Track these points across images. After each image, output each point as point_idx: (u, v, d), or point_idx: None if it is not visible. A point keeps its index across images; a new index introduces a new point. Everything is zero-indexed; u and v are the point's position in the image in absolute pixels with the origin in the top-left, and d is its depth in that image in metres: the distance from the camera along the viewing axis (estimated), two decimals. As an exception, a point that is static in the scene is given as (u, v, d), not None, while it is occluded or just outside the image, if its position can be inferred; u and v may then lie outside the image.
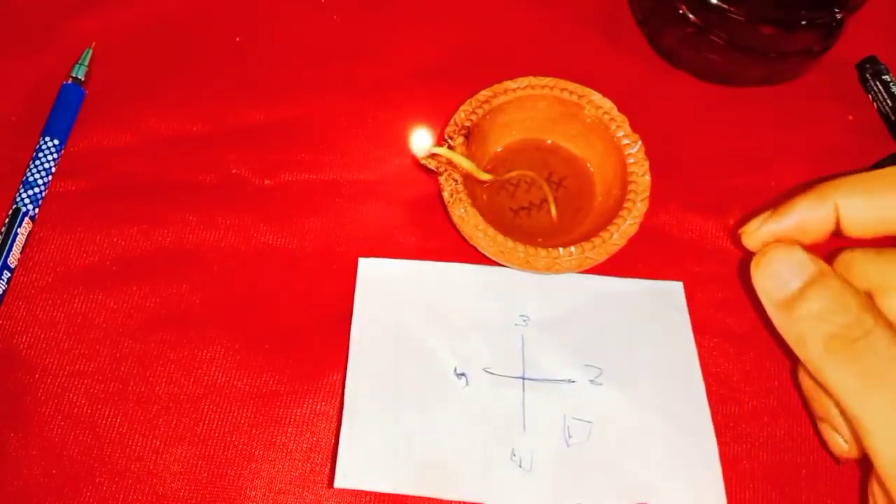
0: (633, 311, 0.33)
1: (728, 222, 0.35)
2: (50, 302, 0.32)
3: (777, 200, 0.25)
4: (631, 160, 0.33)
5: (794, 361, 0.31)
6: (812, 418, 0.30)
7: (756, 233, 0.25)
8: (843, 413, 0.24)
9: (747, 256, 0.26)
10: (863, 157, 0.37)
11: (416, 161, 0.33)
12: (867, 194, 0.23)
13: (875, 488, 0.24)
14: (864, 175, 0.24)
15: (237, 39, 0.40)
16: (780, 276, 0.23)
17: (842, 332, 0.21)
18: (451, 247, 0.34)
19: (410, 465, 0.29)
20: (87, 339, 0.32)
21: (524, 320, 0.32)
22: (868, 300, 0.22)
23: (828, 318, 0.22)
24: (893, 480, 0.21)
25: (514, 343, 0.32)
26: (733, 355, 0.32)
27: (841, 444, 0.27)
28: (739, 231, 0.26)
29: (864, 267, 0.26)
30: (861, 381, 0.21)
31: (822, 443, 0.29)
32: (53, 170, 0.35)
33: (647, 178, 0.32)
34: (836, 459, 0.29)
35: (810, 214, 0.24)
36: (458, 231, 0.32)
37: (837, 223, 0.24)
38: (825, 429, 0.28)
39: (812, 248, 0.24)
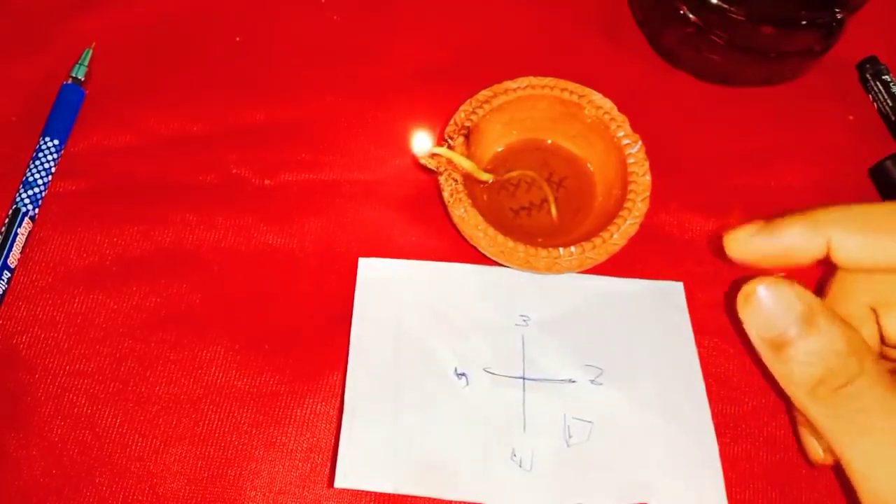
0: (634, 312, 0.33)
1: (728, 222, 0.35)
2: (50, 302, 0.32)
3: (773, 211, 0.24)
4: (631, 160, 0.33)
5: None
6: (792, 421, 0.30)
7: (741, 241, 0.24)
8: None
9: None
10: (863, 157, 0.37)
11: (416, 161, 0.33)
12: (863, 232, 0.23)
13: None
14: (861, 210, 0.23)
15: (237, 39, 0.40)
16: (769, 315, 0.22)
17: (827, 378, 0.21)
18: (451, 247, 0.34)
19: (411, 465, 0.29)
20: (87, 339, 0.32)
21: (524, 320, 0.32)
22: (859, 338, 0.22)
23: (815, 361, 0.21)
24: None
25: (515, 343, 0.32)
26: (733, 355, 0.32)
27: (818, 451, 0.28)
28: (724, 234, 0.25)
29: (865, 280, 0.26)
30: (844, 426, 0.21)
31: (799, 445, 0.29)
32: (53, 170, 0.35)
33: (648, 177, 0.32)
34: (811, 463, 0.29)
35: (802, 243, 0.23)
36: (458, 231, 0.32)
37: (827, 255, 0.23)
38: (804, 433, 0.28)
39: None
